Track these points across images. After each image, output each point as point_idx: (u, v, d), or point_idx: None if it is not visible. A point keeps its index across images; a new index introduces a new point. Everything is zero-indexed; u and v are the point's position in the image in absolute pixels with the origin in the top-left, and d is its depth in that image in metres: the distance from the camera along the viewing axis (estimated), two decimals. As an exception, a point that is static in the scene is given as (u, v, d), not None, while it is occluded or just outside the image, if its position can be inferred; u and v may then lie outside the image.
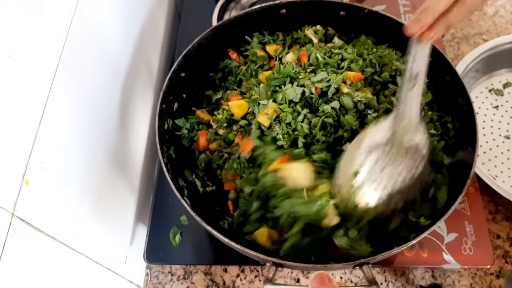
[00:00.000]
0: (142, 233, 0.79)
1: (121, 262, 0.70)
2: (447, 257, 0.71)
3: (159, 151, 0.65)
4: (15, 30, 0.44)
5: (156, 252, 0.74)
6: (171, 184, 0.62)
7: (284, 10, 0.82)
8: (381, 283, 0.78)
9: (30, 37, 0.47)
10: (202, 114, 0.79)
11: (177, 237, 0.75)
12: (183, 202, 0.60)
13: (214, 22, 1.00)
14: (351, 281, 0.78)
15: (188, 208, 0.59)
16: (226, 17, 1.03)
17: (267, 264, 0.55)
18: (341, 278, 0.79)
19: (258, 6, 0.80)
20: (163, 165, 0.64)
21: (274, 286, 0.52)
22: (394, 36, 0.72)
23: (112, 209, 0.69)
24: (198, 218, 0.58)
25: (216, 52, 0.82)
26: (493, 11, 1.12)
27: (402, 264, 0.73)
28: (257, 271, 0.80)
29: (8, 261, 0.41)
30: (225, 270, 0.80)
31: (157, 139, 0.66)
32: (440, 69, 0.71)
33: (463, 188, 0.58)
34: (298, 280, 0.78)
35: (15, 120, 0.44)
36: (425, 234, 0.56)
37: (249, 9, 0.80)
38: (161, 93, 0.70)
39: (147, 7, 0.89)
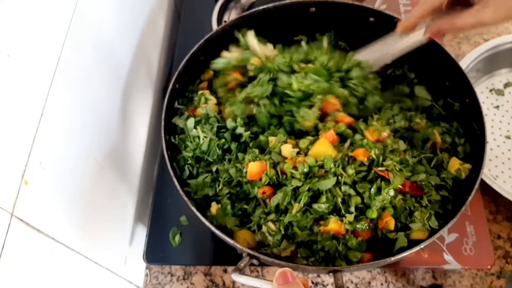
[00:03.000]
0: (142, 233, 0.78)
1: (120, 262, 0.70)
2: (447, 257, 0.71)
3: (162, 128, 0.67)
4: (14, 29, 0.44)
5: (155, 252, 0.74)
6: (167, 161, 0.64)
7: (313, 9, 0.81)
8: (382, 284, 0.78)
9: (29, 36, 0.47)
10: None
11: (177, 238, 0.75)
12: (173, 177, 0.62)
13: (214, 22, 0.99)
14: (352, 282, 0.78)
15: (175, 181, 0.61)
16: (226, 17, 1.03)
17: (243, 254, 0.57)
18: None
19: (288, 1, 0.80)
20: (163, 142, 0.65)
21: (240, 275, 0.51)
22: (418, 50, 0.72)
23: (112, 209, 0.69)
24: (182, 193, 0.60)
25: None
26: (494, 11, 1.12)
27: (403, 265, 0.73)
28: (257, 271, 0.80)
29: (7, 261, 0.41)
30: (225, 271, 0.80)
31: (163, 116, 0.68)
32: (461, 90, 0.71)
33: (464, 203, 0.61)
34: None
35: (14, 120, 0.43)
36: (432, 239, 0.58)
37: (279, 3, 0.80)
38: (176, 73, 0.72)
39: (147, 7, 0.89)
